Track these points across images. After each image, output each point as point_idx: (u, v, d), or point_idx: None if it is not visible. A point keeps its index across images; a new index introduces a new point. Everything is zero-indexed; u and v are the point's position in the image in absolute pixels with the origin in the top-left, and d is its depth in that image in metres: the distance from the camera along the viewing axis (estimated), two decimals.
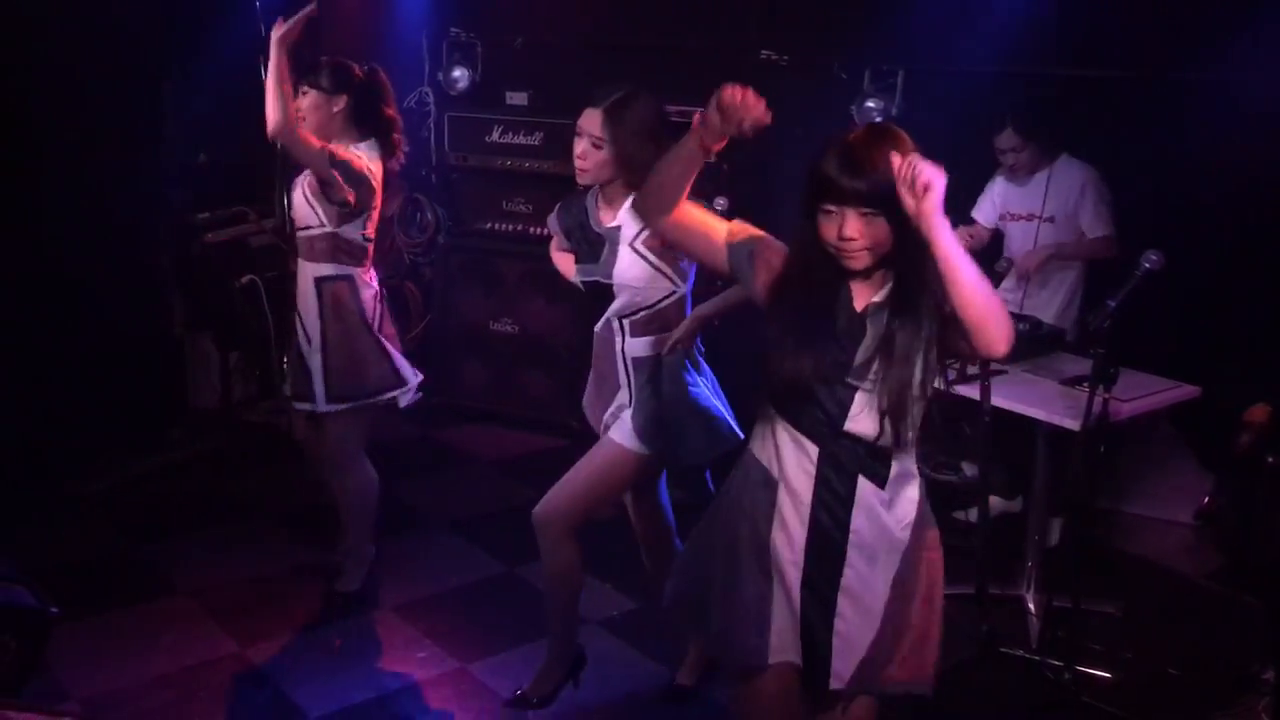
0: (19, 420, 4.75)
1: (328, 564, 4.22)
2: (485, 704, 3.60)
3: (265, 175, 5.86)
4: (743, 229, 2.43)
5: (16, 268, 4.81)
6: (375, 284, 3.94)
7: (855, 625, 2.38)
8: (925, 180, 2.07)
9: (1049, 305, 4.63)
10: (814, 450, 2.35)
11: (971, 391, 3.73)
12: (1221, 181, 4.56)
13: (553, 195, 5.60)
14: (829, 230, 2.22)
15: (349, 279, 3.85)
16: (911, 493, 2.41)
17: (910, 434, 2.33)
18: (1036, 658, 3.75)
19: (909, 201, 2.09)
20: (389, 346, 3.93)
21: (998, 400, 3.74)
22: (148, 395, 5.34)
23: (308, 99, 3.78)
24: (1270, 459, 4.14)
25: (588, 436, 5.54)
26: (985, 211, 4.84)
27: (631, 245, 3.09)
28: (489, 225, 5.71)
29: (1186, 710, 3.63)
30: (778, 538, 2.39)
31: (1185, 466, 4.86)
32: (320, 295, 3.87)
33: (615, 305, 3.16)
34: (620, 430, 3.21)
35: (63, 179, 4.98)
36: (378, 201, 3.85)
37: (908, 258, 2.21)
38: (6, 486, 4.55)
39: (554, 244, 3.40)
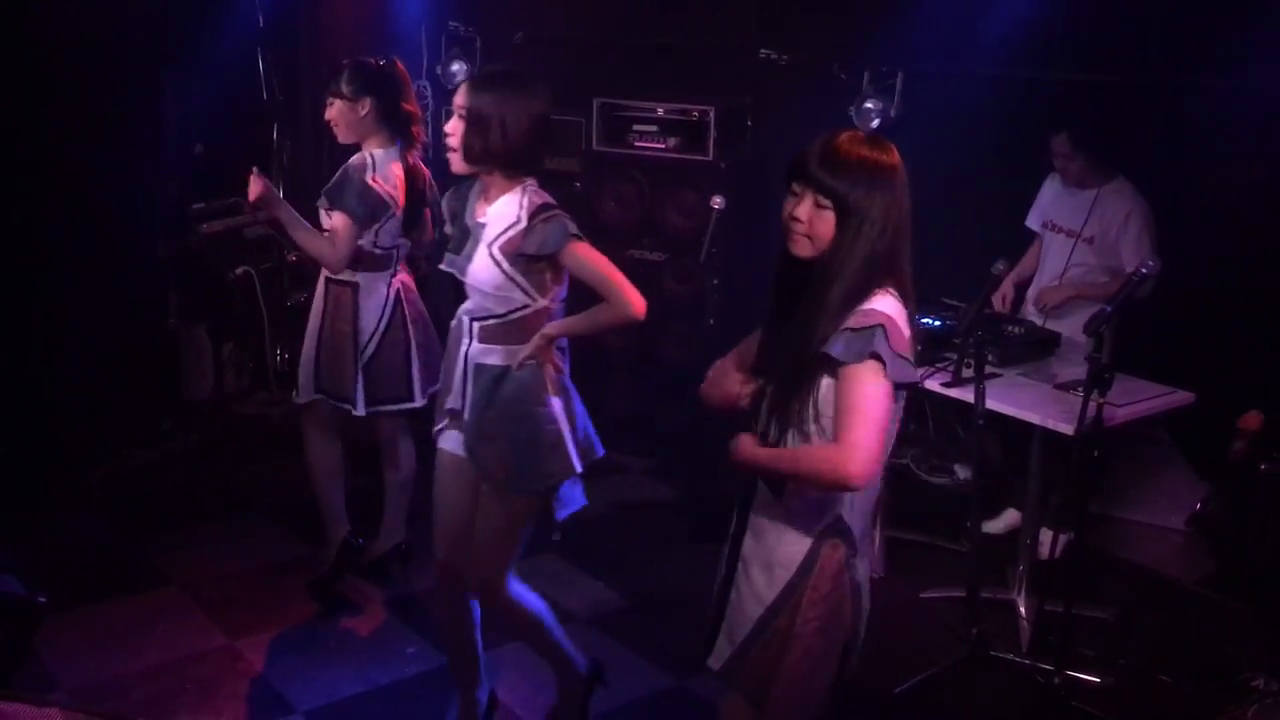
0: (11, 410, 4.74)
1: (319, 558, 4.21)
2: None
3: (261, 166, 5.86)
4: None
5: (10, 257, 4.79)
6: (389, 291, 3.89)
7: (737, 614, 2.45)
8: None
9: (1073, 328, 4.56)
10: None
11: (966, 395, 3.72)
12: (1218, 188, 4.57)
13: (550, 191, 5.64)
14: (787, 206, 2.29)
15: (352, 286, 3.85)
16: (815, 517, 2.34)
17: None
18: (1027, 662, 3.75)
19: None
20: (370, 359, 3.88)
21: (992, 404, 3.74)
22: (141, 386, 5.32)
23: (334, 108, 3.78)
24: (1263, 466, 4.14)
25: None
26: (1034, 217, 4.76)
27: (489, 246, 2.89)
28: None
29: (1177, 716, 3.63)
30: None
31: (1179, 473, 4.86)
32: (325, 295, 3.90)
33: (467, 304, 2.98)
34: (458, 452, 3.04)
35: (59, 169, 4.96)
36: (397, 212, 3.82)
37: (826, 266, 2.25)
38: None
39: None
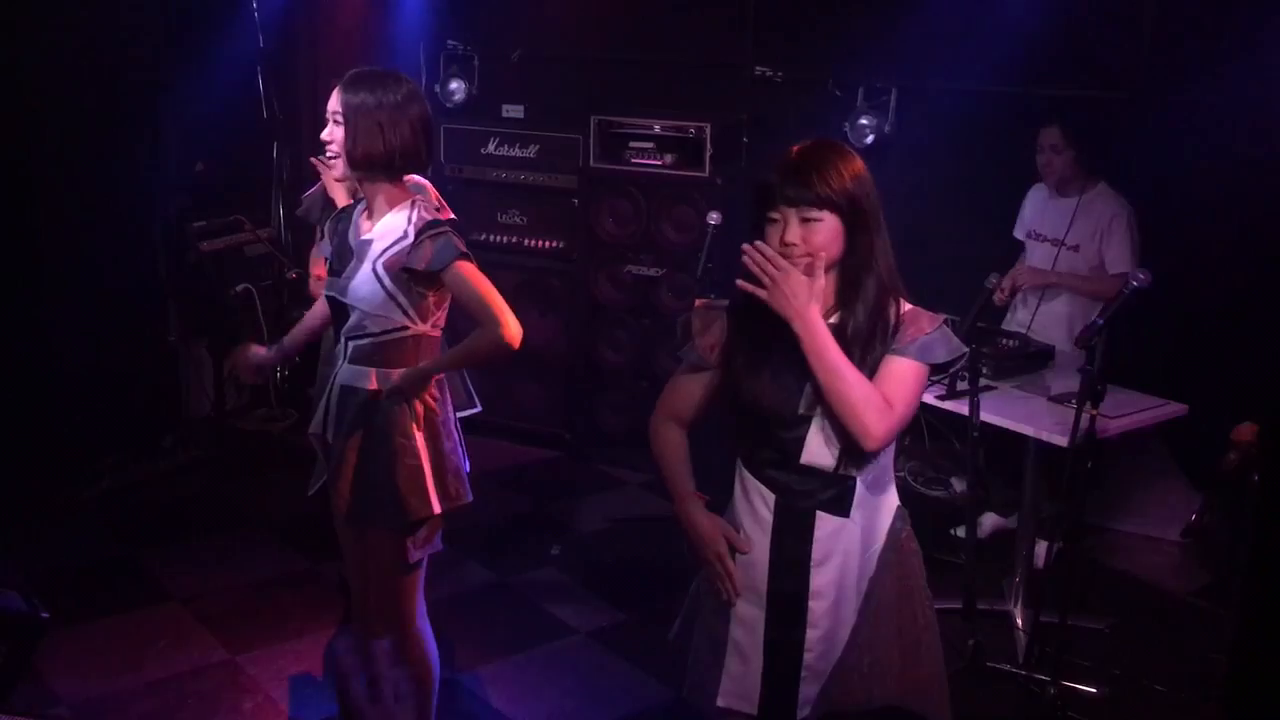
0: (14, 425, 4.76)
1: (319, 572, 4.23)
2: (475, 714, 3.61)
3: (261, 184, 5.90)
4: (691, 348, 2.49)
5: (13, 274, 4.82)
6: None
7: (822, 655, 2.37)
8: (771, 273, 2.19)
9: (1058, 331, 4.54)
10: (771, 498, 2.36)
11: (961, 407, 3.75)
12: (1210, 200, 4.59)
13: (548, 207, 5.72)
14: (773, 238, 2.25)
15: None
16: (882, 517, 2.39)
17: (874, 459, 2.32)
18: (1023, 673, 3.76)
19: (760, 294, 2.21)
20: None
21: (987, 416, 3.77)
22: (142, 402, 5.35)
23: None
24: (1257, 477, 4.16)
25: (581, 449, 5.60)
26: (1020, 228, 4.76)
27: (373, 263, 2.77)
28: (483, 237, 5.74)
29: None
30: (739, 586, 2.41)
31: (1173, 484, 4.87)
32: None
33: (347, 323, 2.83)
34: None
35: (60, 187, 4.99)
36: None
37: (851, 269, 2.26)
38: (0, 491, 4.56)
39: (318, 249, 3.05)
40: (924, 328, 2.29)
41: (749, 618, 2.40)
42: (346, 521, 2.88)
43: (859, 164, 2.27)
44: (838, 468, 2.31)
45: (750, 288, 2.22)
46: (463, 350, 2.85)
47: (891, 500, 2.42)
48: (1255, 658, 2.55)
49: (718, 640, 2.44)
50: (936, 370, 2.34)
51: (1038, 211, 4.68)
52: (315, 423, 2.93)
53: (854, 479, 2.34)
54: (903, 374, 2.28)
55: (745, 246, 2.23)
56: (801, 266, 2.22)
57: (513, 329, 2.75)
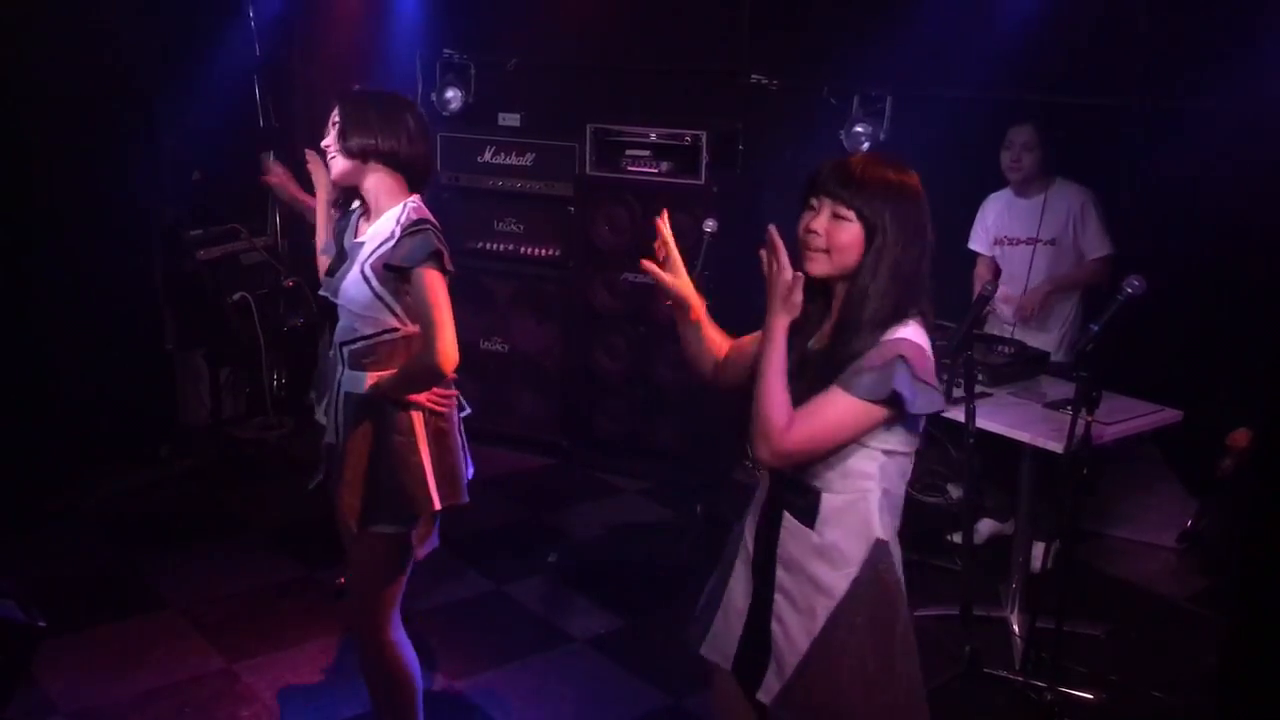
0: (11, 434, 4.76)
1: (316, 580, 4.22)
2: None
3: (257, 193, 5.91)
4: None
5: (10, 283, 4.83)
6: None
7: (784, 649, 2.36)
8: (770, 263, 2.20)
9: (1048, 340, 4.61)
10: (767, 481, 2.44)
11: (957, 414, 3.76)
12: (1205, 207, 4.61)
13: (544, 215, 5.73)
14: (802, 221, 2.28)
15: None
16: (853, 544, 2.31)
17: (828, 473, 2.28)
18: (1019, 679, 3.77)
19: (764, 270, 2.22)
20: None
21: (983, 422, 3.78)
22: (138, 411, 5.35)
23: None
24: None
25: (577, 456, 5.61)
26: (980, 239, 4.83)
27: (362, 265, 2.81)
28: (480, 244, 5.75)
29: None
30: (739, 558, 2.50)
31: (1169, 490, 4.89)
32: None
33: (337, 329, 2.88)
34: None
35: (57, 196, 5.00)
36: None
37: (860, 285, 2.25)
38: None
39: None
40: (873, 360, 2.20)
41: (741, 579, 2.47)
42: (358, 522, 2.89)
43: (910, 186, 2.26)
44: (799, 475, 2.32)
45: (765, 259, 2.22)
46: (399, 375, 2.83)
47: (869, 531, 2.31)
48: (1248, 663, 2.56)
49: (717, 593, 2.52)
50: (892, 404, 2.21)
51: (1002, 216, 4.76)
52: (329, 433, 2.96)
53: (819, 493, 2.31)
54: (820, 402, 2.22)
55: (770, 227, 2.22)
56: (816, 261, 2.25)
57: (448, 356, 2.75)
